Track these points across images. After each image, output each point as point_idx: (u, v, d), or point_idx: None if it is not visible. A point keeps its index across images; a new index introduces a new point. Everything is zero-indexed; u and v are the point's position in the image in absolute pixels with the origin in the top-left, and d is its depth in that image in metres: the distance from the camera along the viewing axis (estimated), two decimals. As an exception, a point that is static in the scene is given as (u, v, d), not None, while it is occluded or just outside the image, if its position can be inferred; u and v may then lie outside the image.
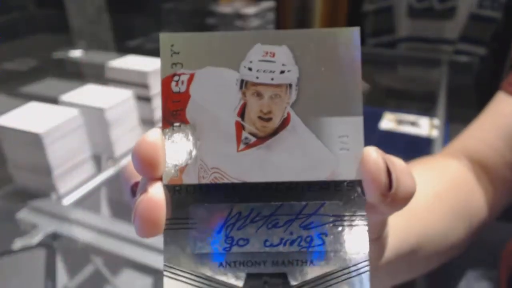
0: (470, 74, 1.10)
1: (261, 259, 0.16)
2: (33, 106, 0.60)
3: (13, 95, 0.70)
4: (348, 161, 0.16)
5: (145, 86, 0.72)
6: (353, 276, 0.16)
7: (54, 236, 0.53)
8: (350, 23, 1.77)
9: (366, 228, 0.16)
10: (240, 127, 0.16)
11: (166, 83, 0.16)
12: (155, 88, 0.73)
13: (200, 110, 0.16)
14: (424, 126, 0.83)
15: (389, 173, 0.16)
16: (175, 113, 0.16)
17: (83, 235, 0.52)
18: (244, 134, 0.16)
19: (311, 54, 0.16)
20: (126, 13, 0.89)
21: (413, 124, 0.84)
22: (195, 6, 1.11)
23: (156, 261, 0.47)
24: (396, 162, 0.17)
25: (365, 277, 0.16)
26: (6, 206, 0.59)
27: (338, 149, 0.16)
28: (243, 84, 0.16)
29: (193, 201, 0.16)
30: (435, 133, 0.79)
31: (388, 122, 0.86)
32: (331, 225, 0.16)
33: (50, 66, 0.77)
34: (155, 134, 0.16)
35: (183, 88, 0.16)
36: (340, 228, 0.16)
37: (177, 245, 0.16)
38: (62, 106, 0.63)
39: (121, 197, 0.74)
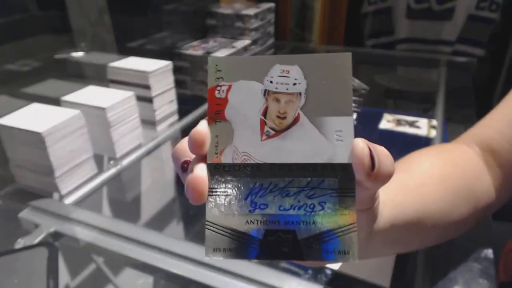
0: (468, 75, 1.11)
1: (277, 219, 0.21)
2: (35, 107, 0.60)
3: (15, 96, 0.70)
4: (342, 149, 0.21)
5: (146, 87, 0.72)
6: (343, 234, 0.21)
7: (56, 235, 0.52)
8: (350, 24, 1.78)
9: (355, 198, 0.21)
10: (263, 123, 0.22)
11: (211, 91, 0.22)
12: (156, 89, 0.73)
13: (235, 111, 0.22)
14: (423, 127, 0.83)
15: (372, 157, 0.21)
16: (217, 112, 0.22)
17: (84, 235, 0.52)
18: (266, 128, 0.22)
19: (315, 71, 0.22)
20: (127, 14, 0.89)
21: (412, 124, 0.85)
22: (196, 7, 1.12)
23: (157, 260, 0.47)
24: (379, 149, 0.21)
25: (353, 236, 0.21)
26: (9, 205, 0.58)
27: (335, 140, 0.21)
28: (266, 93, 0.22)
29: (228, 175, 0.22)
30: (433, 134, 0.80)
31: (387, 122, 0.86)
32: (328, 195, 0.21)
33: (52, 67, 0.77)
34: (204, 124, 0.22)
35: (223, 95, 0.22)
36: (335, 198, 0.21)
37: (216, 207, 0.21)
38: (64, 106, 0.64)
39: (123, 196, 0.74)
